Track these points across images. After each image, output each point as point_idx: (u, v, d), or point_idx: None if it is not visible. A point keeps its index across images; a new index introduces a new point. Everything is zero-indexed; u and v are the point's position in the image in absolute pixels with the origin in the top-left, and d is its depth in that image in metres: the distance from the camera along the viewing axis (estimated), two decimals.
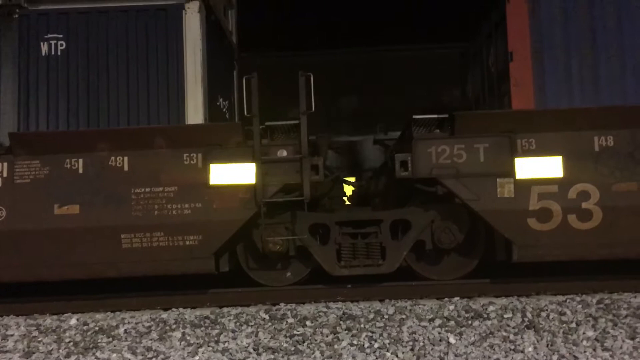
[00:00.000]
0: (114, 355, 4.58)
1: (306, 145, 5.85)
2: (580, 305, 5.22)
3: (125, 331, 5.09)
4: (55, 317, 5.64)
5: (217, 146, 5.88)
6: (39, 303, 5.99)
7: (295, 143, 5.92)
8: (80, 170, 5.89)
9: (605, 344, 4.33)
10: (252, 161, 5.83)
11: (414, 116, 5.99)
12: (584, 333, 4.56)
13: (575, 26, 7.82)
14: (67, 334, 5.11)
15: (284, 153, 5.93)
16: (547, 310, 5.11)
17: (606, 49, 7.75)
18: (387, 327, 4.83)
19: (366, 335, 4.66)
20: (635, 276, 5.91)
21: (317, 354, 4.41)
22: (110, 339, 4.94)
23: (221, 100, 9.00)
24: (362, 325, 4.91)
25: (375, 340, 4.57)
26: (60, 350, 4.78)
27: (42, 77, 7.80)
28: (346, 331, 4.80)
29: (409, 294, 5.82)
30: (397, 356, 4.35)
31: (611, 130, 5.76)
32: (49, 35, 7.82)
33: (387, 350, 4.40)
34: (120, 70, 7.80)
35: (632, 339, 4.42)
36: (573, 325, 4.75)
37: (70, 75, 7.77)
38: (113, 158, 5.90)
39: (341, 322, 5.02)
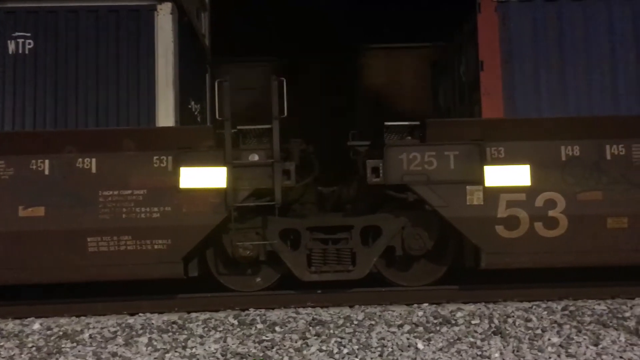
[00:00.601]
0: None
1: (278, 150, 5.83)
2: (545, 312, 5.31)
3: (90, 336, 4.99)
4: (18, 321, 5.52)
5: (188, 149, 5.83)
6: (1, 307, 5.84)
7: (267, 147, 5.90)
8: (47, 172, 5.78)
9: (569, 350, 4.40)
10: (223, 165, 5.79)
11: (386, 122, 6.03)
12: (549, 339, 4.62)
13: (544, 38, 8.00)
14: (30, 339, 4.99)
15: (256, 157, 5.91)
16: (513, 316, 5.18)
17: (573, 61, 7.94)
18: (357, 333, 4.83)
19: (335, 341, 4.66)
20: (599, 283, 6.03)
21: (286, 359, 4.39)
22: (75, 344, 4.84)
23: (193, 103, 8.93)
24: (331, 331, 4.90)
25: (345, 346, 4.56)
26: (23, 356, 4.66)
27: (9, 75, 7.64)
28: (315, 337, 4.79)
29: (379, 300, 5.85)
30: None
31: (577, 140, 5.88)
32: (17, 34, 7.67)
33: (356, 356, 4.39)
34: (90, 70, 7.69)
35: (596, 345, 4.49)
36: (538, 331, 4.82)
37: (38, 74, 7.64)
38: (81, 160, 5.80)
39: (310, 327, 5.01)
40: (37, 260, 5.68)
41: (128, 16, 7.76)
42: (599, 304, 5.53)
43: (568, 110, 7.79)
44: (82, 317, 5.65)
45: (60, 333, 5.10)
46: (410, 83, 11.74)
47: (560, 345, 4.50)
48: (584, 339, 4.62)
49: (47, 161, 5.79)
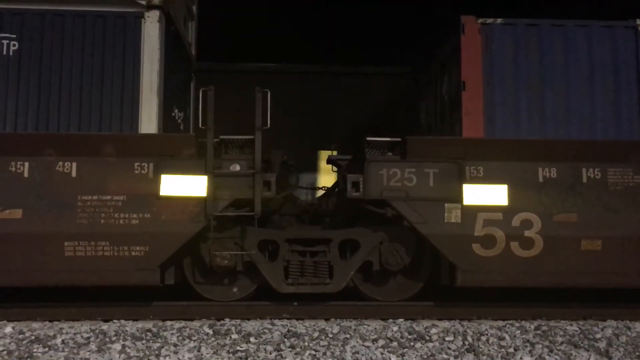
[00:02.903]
0: None
1: (259, 161, 5.86)
2: (519, 331, 5.37)
3: (63, 341, 4.94)
4: None
5: (169, 157, 5.83)
6: None
7: (249, 158, 5.92)
8: (26, 174, 5.74)
9: None
10: (204, 174, 5.80)
11: (368, 138, 6.09)
12: (521, 358, 4.67)
13: (525, 61, 8.16)
14: (1, 343, 4.91)
15: (237, 167, 5.92)
16: (487, 334, 5.23)
17: (553, 85, 8.10)
18: (331, 346, 4.84)
19: (309, 354, 4.66)
20: (572, 304, 6.12)
21: None
22: (47, 349, 4.78)
23: (177, 111, 8.94)
24: (306, 344, 4.91)
25: (319, 359, 4.57)
26: None
27: None
28: (290, 349, 4.79)
29: (354, 314, 5.86)
30: None
31: (555, 163, 5.98)
32: (1, 35, 7.64)
33: None
34: (74, 74, 7.67)
35: None
36: (511, 350, 4.87)
37: (22, 76, 7.61)
38: (61, 163, 5.77)
39: (285, 339, 5.01)
40: (13, 262, 5.62)
41: (115, 22, 7.77)
42: (571, 325, 5.61)
43: (546, 132, 7.94)
44: (55, 322, 5.59)
45: (32, 337, 5.04)
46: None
47: None
48: (556, 358, 4.68)
49: (26, 164, 5.75)
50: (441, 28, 9.18)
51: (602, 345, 5.02)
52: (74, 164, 5.77)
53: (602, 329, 5.48)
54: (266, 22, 12.47)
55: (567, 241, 5.89)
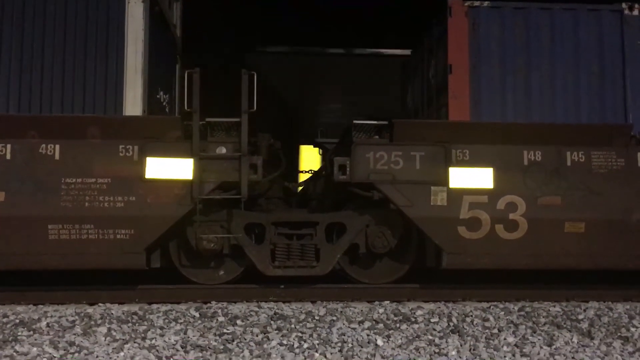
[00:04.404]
0: (34, 349, 4.40)
1: (246, 144, 5.83)
2: (502, 312, 5.43)
3: (48, 325, 4.91)
4: None
5: (155, 139, 5.78)
6: None
7: (235, 141, 5.89)
8: (8, 157, 5.67)
9: (524, 350, 4.51)
10: (190, 157, 5.76)
11: (355, 121, 6.08)
12: (504, 339, 4.73)
13: (512, 45, 8.18)
14: None
15: (223, 150, 5.89)
16: (471, 315, 5.29)
17: (539, 68, 8.13)
18: (318, 328, 4.87)
19: (296, 336, 4.68)
20: (555, 286, 6.20)
21: (246, 352, 4.39)
22: (31, 332, 4.76)
23: (162, 93, 8.85)
24: (292, 326, 4.93)
25: (305, 341, 4.59)
26: None
27: None
28: (276, 331, 4.81)
29: (341, 297, 5.90)
30: (325, 357, 4.39)
31: (540, 146, 6.02)
32: None
33: (316, 351, 4.42)
34: (57, 56, 7.56)
35: (550, 345, 4.62)
36: (495, 330, 4.92)
37: (3, 57, 7.48)
38: (44, 146, 5.70)
39: (272, 321, 5.02)
40: None
41: (98, 2, 7.65)
42: (554, 306, 5.68)
43: (532, 116, 7.98)
44: (40, 306, 5.56)
45: (17, 321, 5.01)
46: None
47: (515, 345, 4.61)
48: (539, 339, 4.74)
49: (9, 146, 5.68)
50: (429, 11, 9.15)
51: (584, 325, 5.10)
52: (57, 147, 5.70)
53: (585, 310, 5.56)
54: (252, 3, 12.35)
55: (551, 223, 5.95)
